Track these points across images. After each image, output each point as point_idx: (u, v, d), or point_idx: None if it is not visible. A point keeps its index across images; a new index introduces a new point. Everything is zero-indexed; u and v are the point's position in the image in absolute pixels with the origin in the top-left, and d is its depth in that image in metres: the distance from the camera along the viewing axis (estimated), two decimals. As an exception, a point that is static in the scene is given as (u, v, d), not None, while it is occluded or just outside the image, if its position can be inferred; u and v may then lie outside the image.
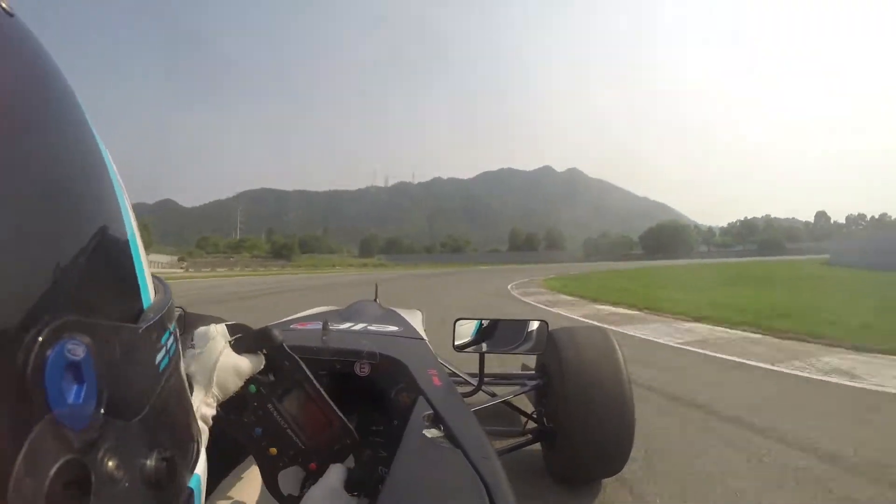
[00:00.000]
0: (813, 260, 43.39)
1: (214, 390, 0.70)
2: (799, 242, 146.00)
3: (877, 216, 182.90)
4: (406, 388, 1.05)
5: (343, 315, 1.88)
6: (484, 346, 1.78)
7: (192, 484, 0.38)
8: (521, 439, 2.19)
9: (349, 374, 1.10)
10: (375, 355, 1.10)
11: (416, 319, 1.95)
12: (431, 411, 0.88)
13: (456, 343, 1.75)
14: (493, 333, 1.84)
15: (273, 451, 0.82)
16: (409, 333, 1.54)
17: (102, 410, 0.27)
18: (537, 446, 2.27)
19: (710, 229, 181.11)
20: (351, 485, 0.79)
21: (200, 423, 0.63)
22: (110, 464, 0.27)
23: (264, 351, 0.80)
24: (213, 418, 0.68)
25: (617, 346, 2.14)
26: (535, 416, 2.32)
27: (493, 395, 2.28)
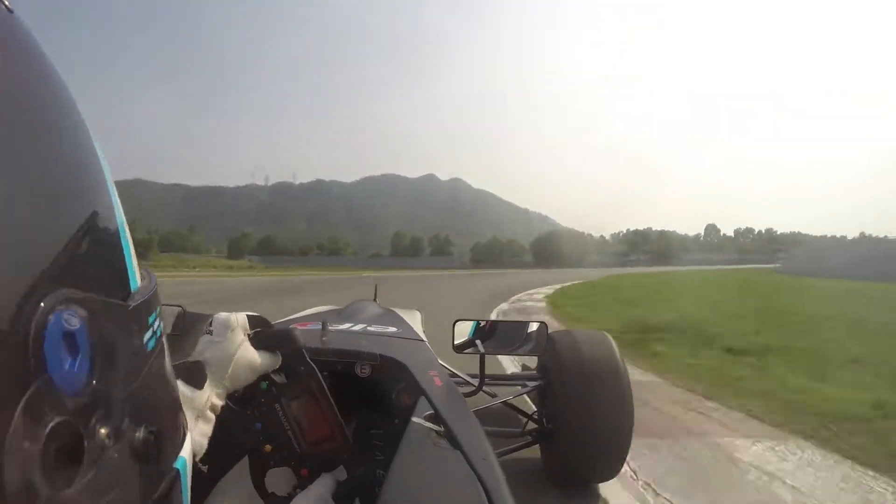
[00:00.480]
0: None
1: (226, 382, 0.70)
2: (691, 254, 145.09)
3: (763, 230, 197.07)
4: (406, 389, 1.04)
5: (342, 315, 1.89)
6: (484, 347, 1.73)
7: (177, 465, 0.38)
8: (521, 441, 2.18)
9: (349, 375, 1.10)
10: (376, 356, 1.10)
11: (415, 320, 1.99)
12: (432, 412, 0.88)
13: (455, 343, 1.74)
14: (493, 334, 1.84)
15: (268, 448, 0.81)
16: (409, 334, 1.54)
17: (95, 380, 0.28)
18: (537, 448, 2.27)
19: (602, 237, 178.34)
20: (339, 496, 0.78)
21: (209, 413, 0.64)
22: (101, 431, 0.28)
23: (281, 351, 0.78)
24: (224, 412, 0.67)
25: (616, 350, 2.15)
26: (534, 417, 2.30)
27: (494, 395, 2.23)
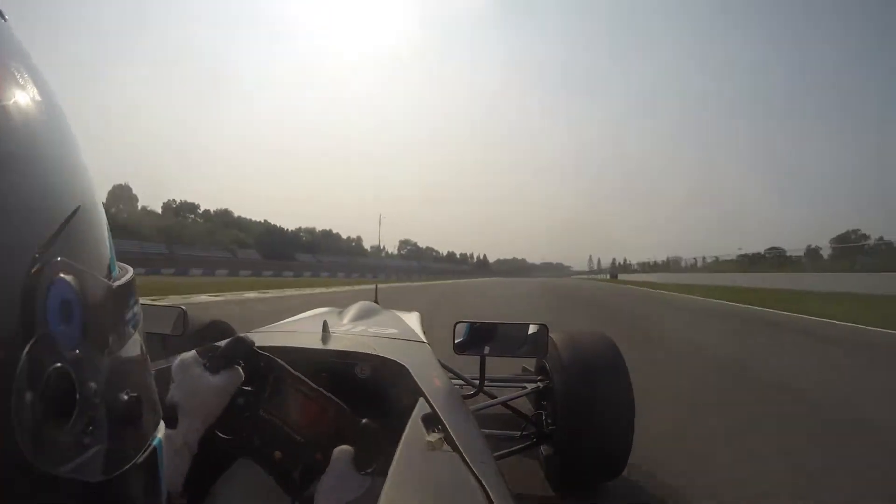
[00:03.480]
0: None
1: (202, 416, 0.72)
2: (247, 249, 75.43)
3: (329, 231, 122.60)
4: (406, 390, 1.02)
5: (343, 317, 1.91)
6: (485, 349, 1.73)
7: (154, 443, 0.41)
8: (521, 443, 2.17)
9: (350, 376, 1.10)
10: (376, 357, 1.11)
11: (415, 322, 2.03)
12: (431, 414, 0.87)
13: (456, 345, 1.72)
14: (494, 336, 1.80)
15: (278, 455, 0.81)
16: (409, 336, 1.58)
17: (87, 341, 0.32)
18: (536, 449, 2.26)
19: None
20: (359, 463, 0.78)
21: (185, 451, 0.69)
22: (91, 384, 0.32)
23: (241, 362, 0.79)
24: (208, 442, 0.70)
25: (618, 350, 2.17)
26: (534, 419, 2.27)
27: (494, 397, 2.19)
